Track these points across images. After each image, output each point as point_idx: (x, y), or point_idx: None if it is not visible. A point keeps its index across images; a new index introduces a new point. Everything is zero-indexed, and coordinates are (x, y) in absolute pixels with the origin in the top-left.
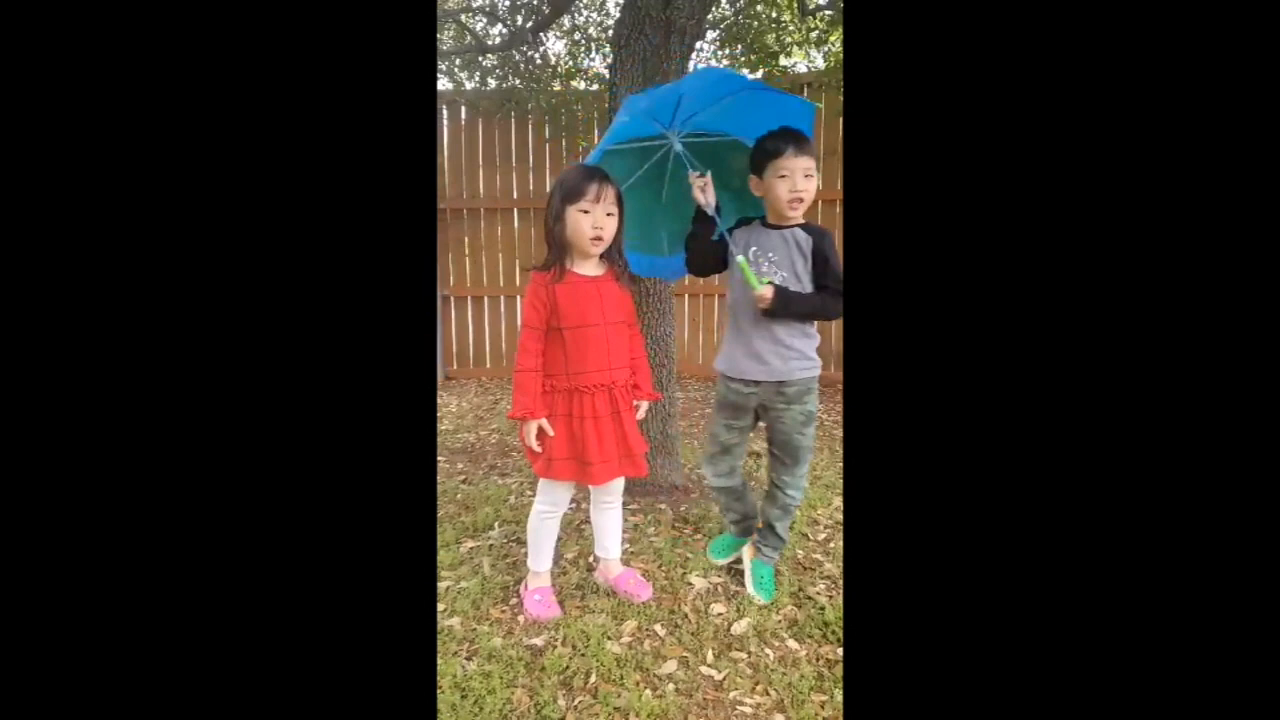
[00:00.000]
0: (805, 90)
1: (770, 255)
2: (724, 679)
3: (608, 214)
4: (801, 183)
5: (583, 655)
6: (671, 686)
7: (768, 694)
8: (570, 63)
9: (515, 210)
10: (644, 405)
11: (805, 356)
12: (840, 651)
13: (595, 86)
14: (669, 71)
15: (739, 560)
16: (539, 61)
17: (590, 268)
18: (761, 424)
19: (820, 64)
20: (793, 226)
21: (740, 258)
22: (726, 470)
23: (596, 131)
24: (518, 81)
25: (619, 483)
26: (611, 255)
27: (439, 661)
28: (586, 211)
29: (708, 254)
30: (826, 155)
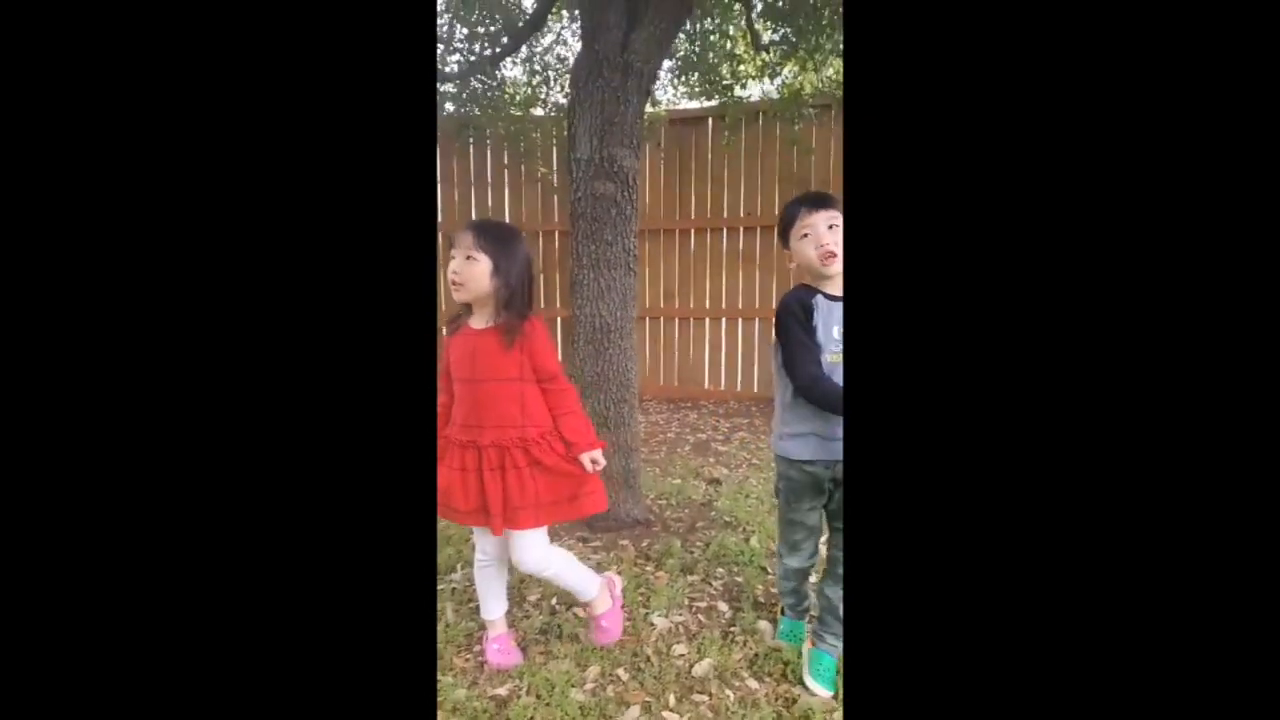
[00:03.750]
0: (760, 119)
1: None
2: None
3: (466, 257)
4: (824, 232)
5: (547, 705)
6: None
7: None
8: (528, 90)
9: None
10: (588, 458)
11: None
12: (798, 690)
13: (554, 113)
14: (626, 113)
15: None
16: (497, 91)
17: (479, 320)
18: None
19: (774, 94)
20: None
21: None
22: (811, 553)
23: (555, 157)
24: (475, 109)
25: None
26: (501, 308)
27: None
28: (453, 258)
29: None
30: (782, 182)
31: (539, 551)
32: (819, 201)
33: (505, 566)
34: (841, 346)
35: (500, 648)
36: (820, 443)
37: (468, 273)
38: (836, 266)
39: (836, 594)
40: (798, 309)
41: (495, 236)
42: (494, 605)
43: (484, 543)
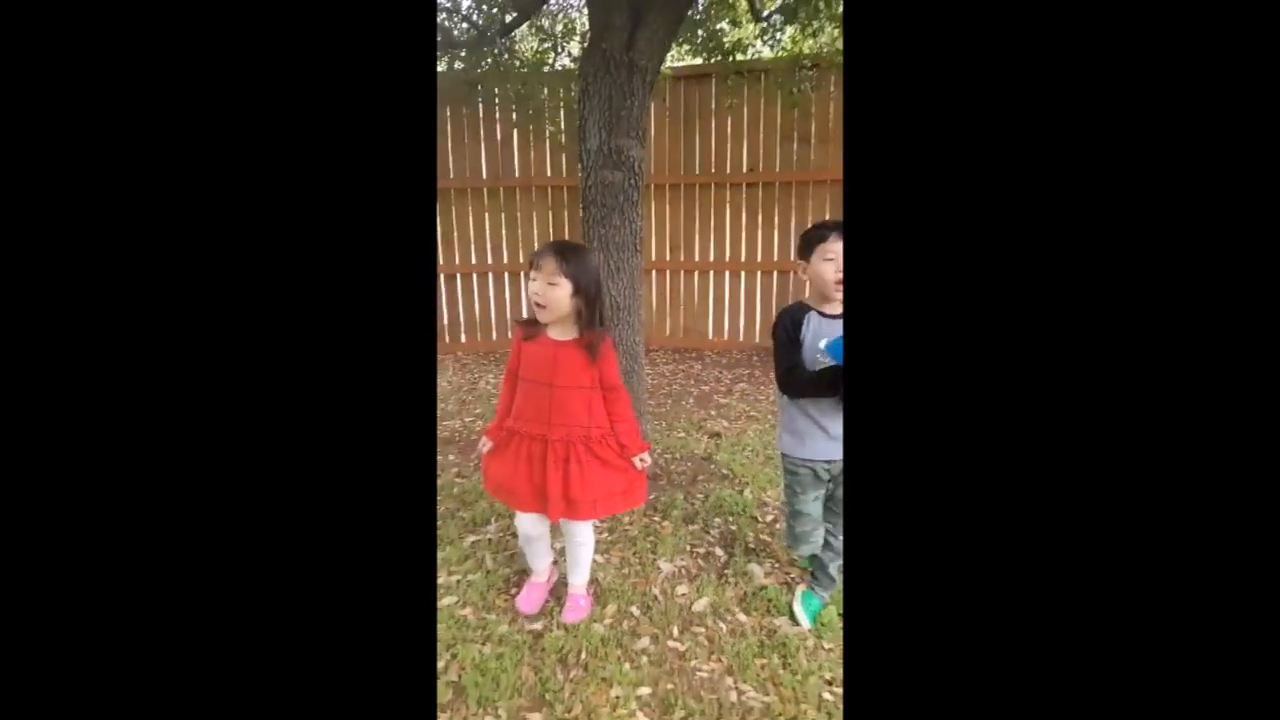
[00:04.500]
0: (763, 79)
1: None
2: (686, 650)
3: (549, 284)
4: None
5: (574, 637)
6: (645, 659)
7: (720, 661)
8: (537, 56)
9: (485, 190)
10: (640, 459)
11: None
12: (778, 622)
13: (560, 69)
14: (632, 107)
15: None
16: (505, 58)
17: (561, 332)
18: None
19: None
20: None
21: None
22: (820, 540)
23: (562, 117)
24: (483, 68)
25: (583, 529)
26: (583, 323)
27: (460, 648)
28: (533, 280)
29: (805, 384)
30: (783, 140)
31: (588, 528)
32: None
33: (548, 541)
34: (828, 358)
35: (526, 593)
36: (813, 441)
37: (551, 296)
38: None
39: (827, 556)
40: (788, 322)
41: (576, 262)
42: (541, 563)
43: (525, 524)
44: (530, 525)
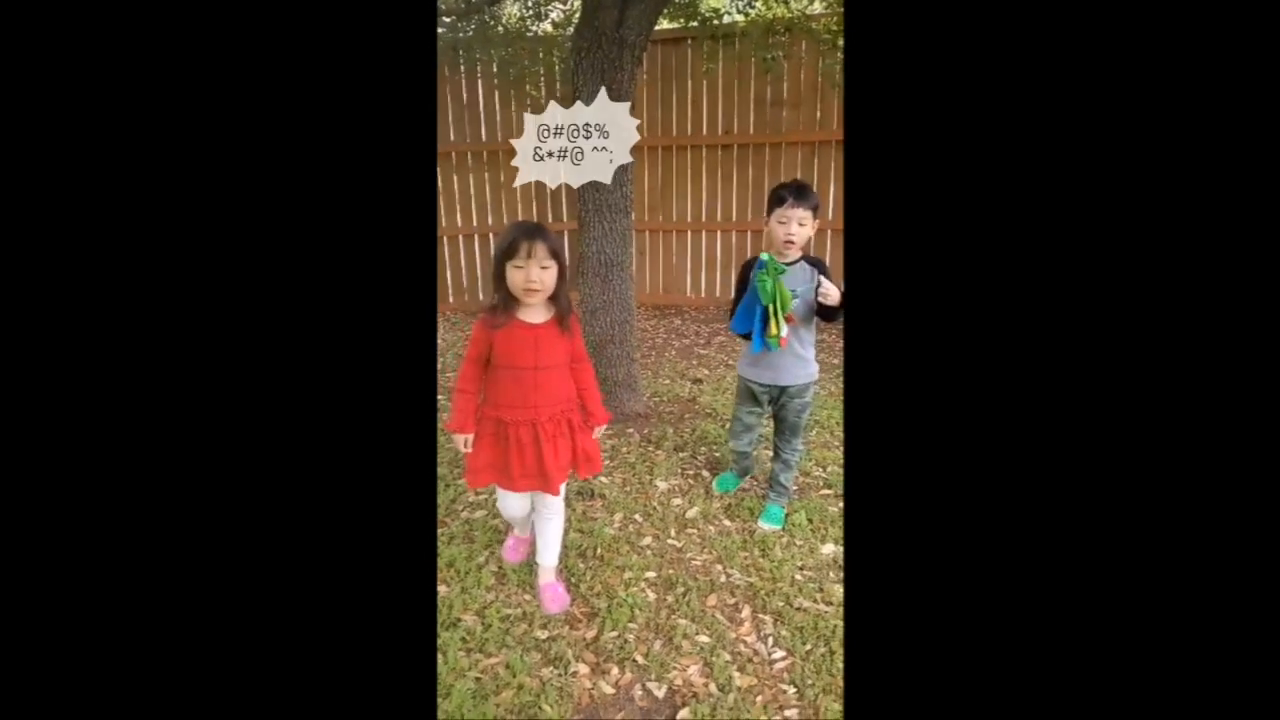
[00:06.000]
0: (737, 44)
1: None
2: (682, 546)
3: (542, 267)
4: (795, 229)
5: (589, 536)
6: (650, 552)
7: (711, 553)
8: (520, 23)
9: (469, 154)
10: (599, 429)
11: (806, 365)
12: (754, 526)
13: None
14: (622, 79)
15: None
16: (490, 23)
17: (535, 314)
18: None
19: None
20: (798, 261)
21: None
22: (749, 442)
23: (542, 81)
24: (469, 32)
25: (558, 501)
26: (559, 302)
27: (497, 549)
28: (520, 267)
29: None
30: (756, 103)
31: (560, 501)
32: (801, 197)
33: (526, 525)
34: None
35: (513, 545)
36: (750, 365)
37: (545, 279)
38: (792, 255)
39: (779, 467)
40: (744, 268)
41: (552, 239)
42: (524, 528)
43: (511, 504)
44: (516, 507)
